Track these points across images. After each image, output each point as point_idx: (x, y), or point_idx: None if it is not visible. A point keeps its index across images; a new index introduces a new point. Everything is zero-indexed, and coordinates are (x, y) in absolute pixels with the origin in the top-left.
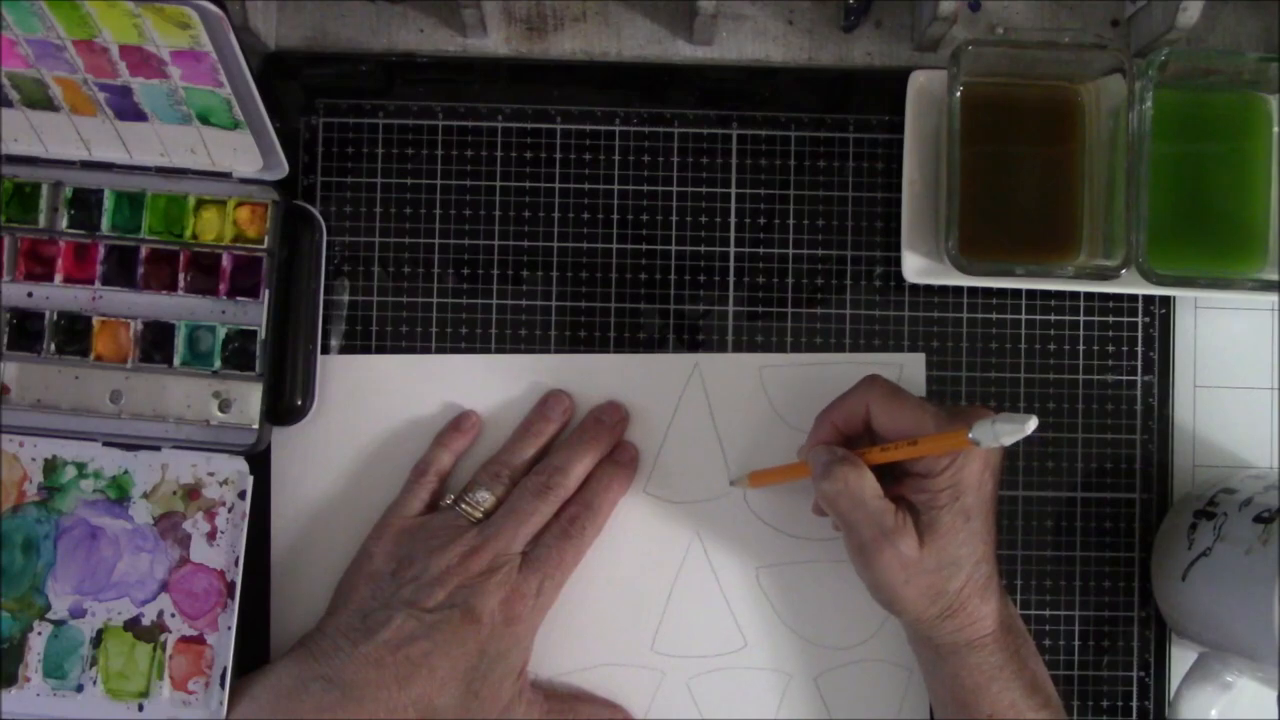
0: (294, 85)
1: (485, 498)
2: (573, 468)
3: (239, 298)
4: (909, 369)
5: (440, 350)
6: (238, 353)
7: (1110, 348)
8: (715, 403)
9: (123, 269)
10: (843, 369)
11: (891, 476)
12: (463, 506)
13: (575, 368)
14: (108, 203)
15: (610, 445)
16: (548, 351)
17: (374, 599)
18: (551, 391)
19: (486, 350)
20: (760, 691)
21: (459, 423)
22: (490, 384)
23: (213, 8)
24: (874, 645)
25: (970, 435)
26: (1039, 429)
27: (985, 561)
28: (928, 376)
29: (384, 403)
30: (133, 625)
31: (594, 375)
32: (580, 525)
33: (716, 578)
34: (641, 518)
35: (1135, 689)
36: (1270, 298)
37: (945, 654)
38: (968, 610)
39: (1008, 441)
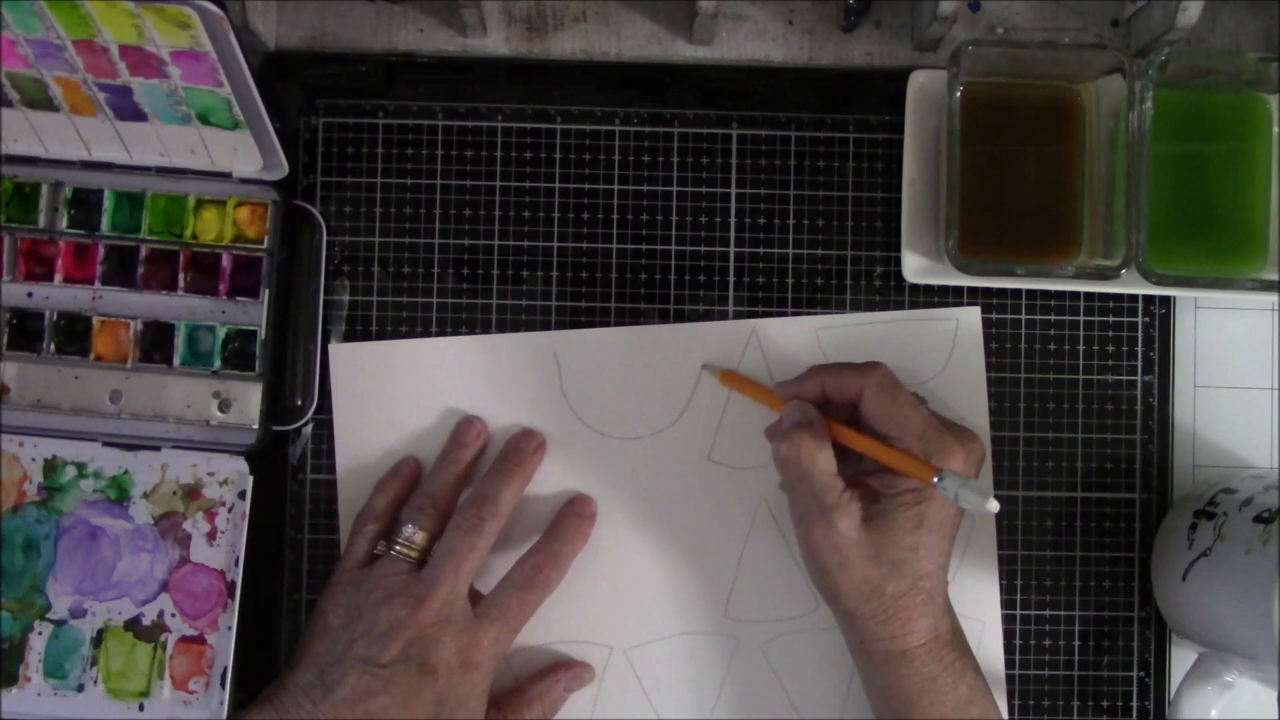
0: (294, 85)
1: (414, 533)
2: (501, 496)
3: (239, 298)
4: (965, 323)
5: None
6: (238, 353)
7: (1110, 348)
8: (774, 367)
9: (123, 269)
10: (899, 327)
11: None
12: (397, 549)
13: (636, 340)
14: (108, 203)
15: (533, 471)
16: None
17: (328, 655)
18: (465, 418)
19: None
20: (836, 652)
21: (398, 468)
22: (541, 358)
23: (213, 8)
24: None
25: (935, 480)
26: (1039, 429)
27: (930, 579)
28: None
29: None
30: (133, 625)
31: (654, 346)
32: (545, 576)
33: (785, 540)
34: (708, 486)
35: (1135, 689)
36: (1270, 298)
37: (878, 662)
38: (901, 619)
39: (963, 505)
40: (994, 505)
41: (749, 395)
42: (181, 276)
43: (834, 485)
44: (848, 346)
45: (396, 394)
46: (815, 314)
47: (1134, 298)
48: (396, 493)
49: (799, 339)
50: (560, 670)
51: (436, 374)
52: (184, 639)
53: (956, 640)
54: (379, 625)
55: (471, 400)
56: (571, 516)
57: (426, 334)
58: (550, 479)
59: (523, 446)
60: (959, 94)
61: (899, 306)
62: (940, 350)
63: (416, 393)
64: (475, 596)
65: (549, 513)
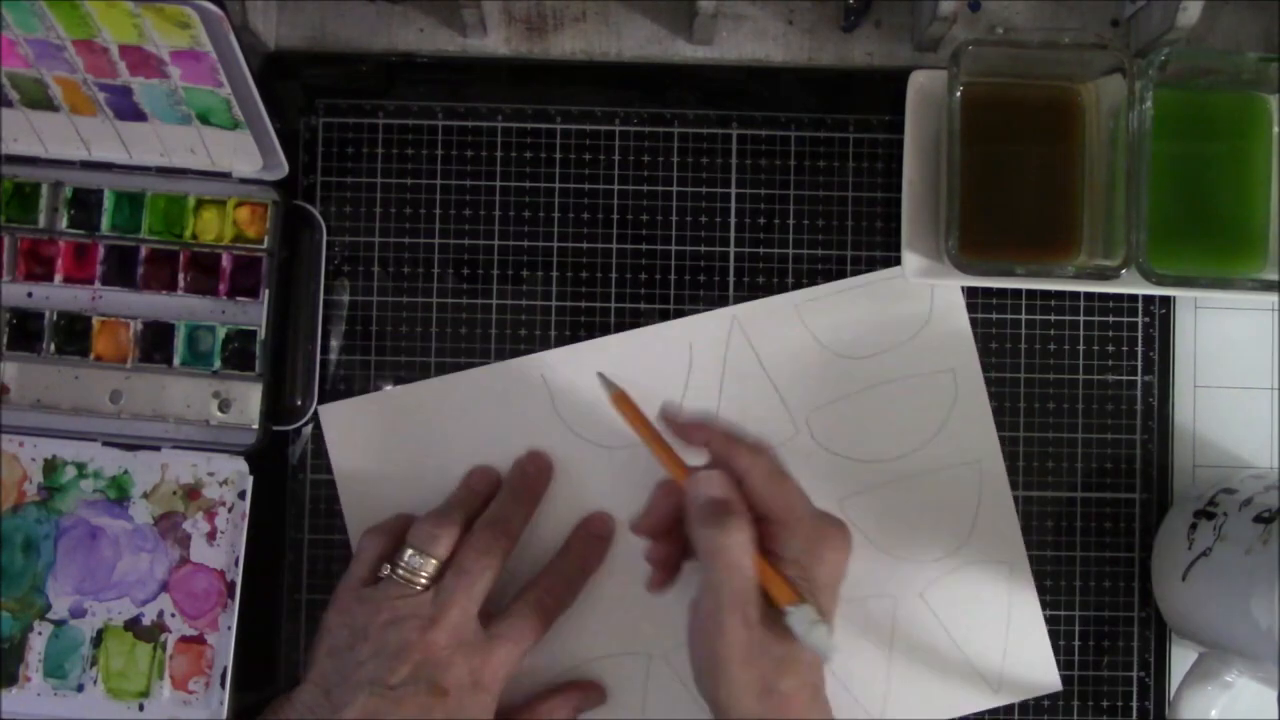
0: (294, 85)
1: (423, 556)
2: (513, 518)
3: (239, 298)
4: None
5: (440, 352)
6: (237, 353)
7: (1110, 348)
8: (761, 350)
9: (123, 269)
10: (878, 288)
11: None
12: (399, 573)
13: (619, 347)
14: (108, 203)
15: (543, 491)
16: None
17: (335, 674)
18: (477, 467)
19: (486, 351)
20: (868, 621)
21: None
22: (530, 383)
23: (213, 8)
24: (971, 549)
25: (787, 609)
26: (1039, 429)
27: (817, 671)
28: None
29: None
30: (133, 625)
31: (639, 350)
32: (557, 597)
33: None
34: None
35: (1135, 689)
36: (1270, 298)
37: None
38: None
39: (805, 642)
40: (833, 652)
41: (635, 429)
42: (181, 276)
43: (753, 577)
44: (830, 316)
45: (392, 443)
46: (790, 292)
47: (1134, 298)
48: (408, 519)
49: (782, 320)
50: (571, 691)
51: (429, 417)
52: (184, 639)
53: None
54: (388, 646)
55: (469, 436)
56: (585, 537)
57: (426, 334)
58: (560, 497)
59: (529, 470)
60: (959, 94)
61: None
62: (921, 303)
63: (412, 439)
64: (485, 617)
65: (558, 530)
